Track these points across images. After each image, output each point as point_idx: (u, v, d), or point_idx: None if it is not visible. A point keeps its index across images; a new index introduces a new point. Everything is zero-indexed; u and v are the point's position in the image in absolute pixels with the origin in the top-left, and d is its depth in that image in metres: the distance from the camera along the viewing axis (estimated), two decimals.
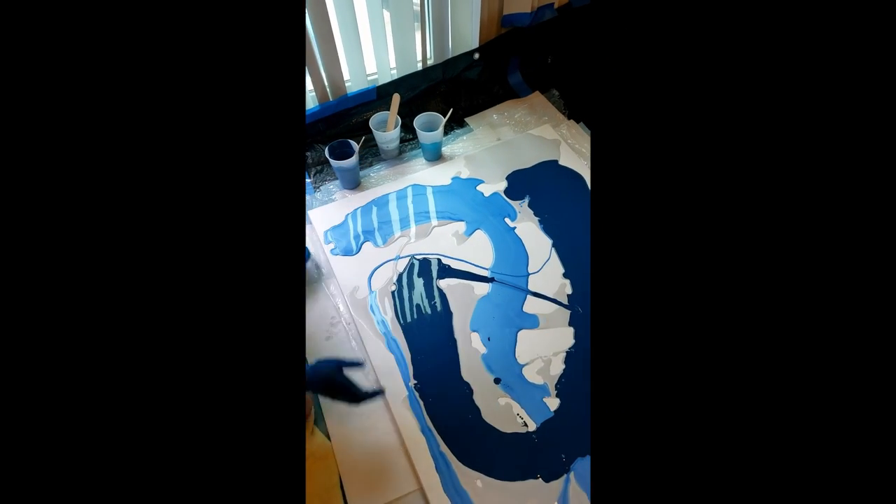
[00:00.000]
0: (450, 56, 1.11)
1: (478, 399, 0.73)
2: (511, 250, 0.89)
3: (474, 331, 0.80)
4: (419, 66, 1.12)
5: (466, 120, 1.12)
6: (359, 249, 0.91)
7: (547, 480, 0.66)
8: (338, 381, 0.65)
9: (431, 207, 0.96)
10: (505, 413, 0.72)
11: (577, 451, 0.68)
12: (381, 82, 1.08)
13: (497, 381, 0.75)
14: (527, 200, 0.95)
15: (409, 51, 1.09)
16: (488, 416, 0.72)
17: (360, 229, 0.94)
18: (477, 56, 1.09)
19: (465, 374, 0.76)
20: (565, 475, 0.67)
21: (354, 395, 0.66)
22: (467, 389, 0.74)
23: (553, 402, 0.73)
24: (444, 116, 1.01)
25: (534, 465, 0.68)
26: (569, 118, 1.08)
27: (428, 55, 1.14)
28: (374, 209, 0.96)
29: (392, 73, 1.11)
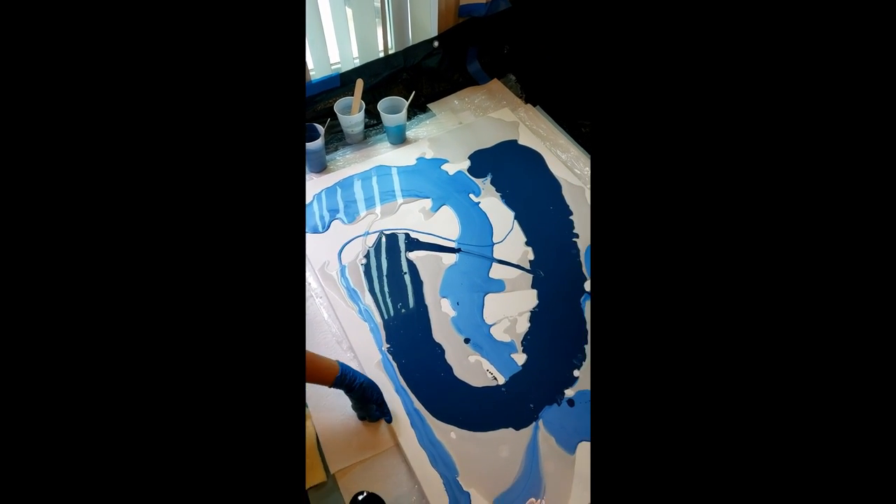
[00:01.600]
0: (410, 44, 1.15)
1: (449, 358, 0.76)
2: (476, 223, 0.93)
3: (444, 297, 0.83)
4: (381, 55, 1.16)
5: (429, 105, 1.16)
6: (326, 227, 0.93)
7: (517, 429, 0.70)
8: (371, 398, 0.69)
9: (397, 186, 0.99)
10: (475, 369, 0.75)
11: (544, 401, 0.72)
12: (344, 70, 1.11)
13: (467, 340, 0.78)
14: (489, 178, 0.99)
15: (371, 40, 1.13)
16: (460, 372, 0.75)
17: (325, 210, 0.96)
18: (436, 44, 1.13)
19: (437, 335, 0.79)
20: (534, 423, 0.70)
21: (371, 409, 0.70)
22: (439, 350, 0.77)
23: (520, 358, 0.77)
24: (407, 99, 1.05)
25: (504, 416, 0.71)
26: (526, 102, 1.14)
27: (389, 45, 1.18)
28: (339, 190, 0.99)
29: (355, 62, 1.14)
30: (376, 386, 0.69)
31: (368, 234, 0.92)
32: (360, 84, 1.03)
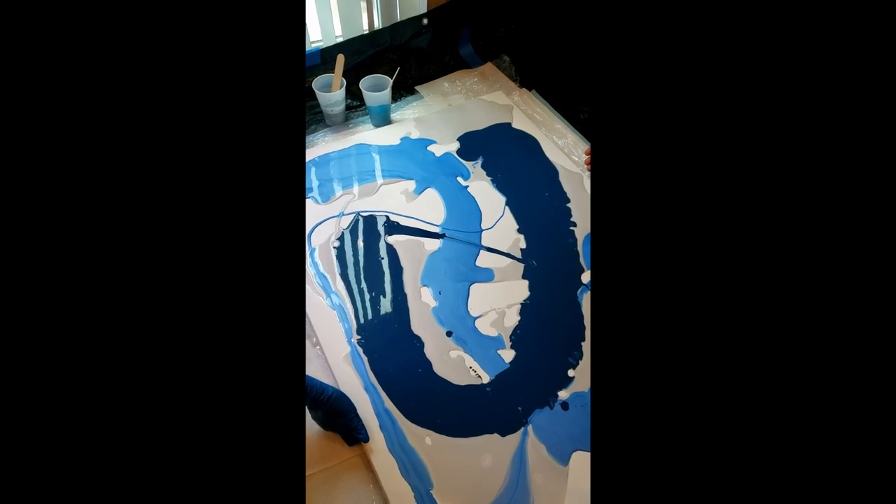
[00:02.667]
0: (398, 20, 1.07)
1: (429, 352, 0.67)
2: (464, 207, 0.84)
3: (425, 285, 0.74)
4: (366, 32, 1.08)
5: (416, 88, 1.08)
6: None
7: (503, 434, 0.60)
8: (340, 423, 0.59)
9: (377, 166, 0.90)
10: (457, 366, 0.66)
11: (534, 403, 0.63)
12: (325, 47, 1.02)
13: (449, 334, 0.69)
14: (480, 161, 0.91)
15: (355, 15, 1.05)
16: (440, 369, 0.66)
17: None
18: (426, 21, 1.06)
19: (416, 327, 0.70)
20: (522, 428, 0.61)
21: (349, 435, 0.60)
22: (417, 343, 0.68)
23: (508, 354, 0.67)
24: (392, 77, 0.97)
25: (488, 420, 0.62)
26: (521, 86, 1.06)
27: (376, 21, 1.10)
28: (313, 168, 0.90)
29: (337, 39, 1.06)
30: (347, 397, 0.60)
31: (343, 214, 0.83)
32: (340, 59, 0.95)
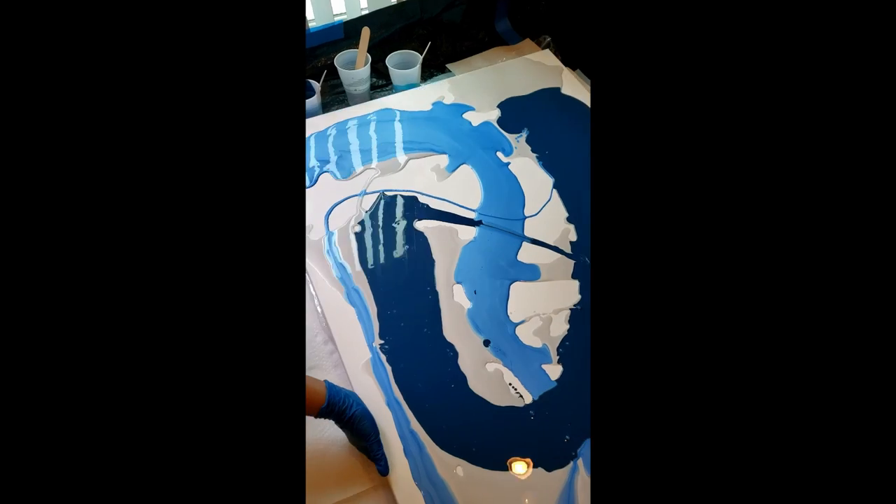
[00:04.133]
0: None
1: (463, 364, 0.58)
2: (504, 189, 0.73)
3: (458, 282, 0.64)
4: (393, 3, 0.94)
5: (448, 66, 0.94)
6: (314, 181, 0.73)
7: (548, 469, 0.52)
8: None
9: (401, 137, 0.78)
10: (495, 382, 0.57)
11: (585, 432, 0.54)
12: (349, 19, 0.89)
13: (486, 343, 0.59)
14: (524, 134, 0.79)
15: None
16: (476, 385, 0.57)
17: (314, 158, 0.76)
18: None
19: (449, 333, 0.60)
20: (571, 462, 0.52)
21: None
22: (451, 352, 0.58)
23: (554, 370, 0.58)
24: (422, 54, 0.83)
25: (530, 449, 0.53)
26: (564, 65, 0.92)
27: None
28: (331, 138, 0.78)
29: (363, 11, 0.93)
30: (370, 418, 0.51)
31: (366, 193, 0.72)
32: (366, 32, 0.82)
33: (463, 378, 0.57)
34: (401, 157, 0.76)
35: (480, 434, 0.53)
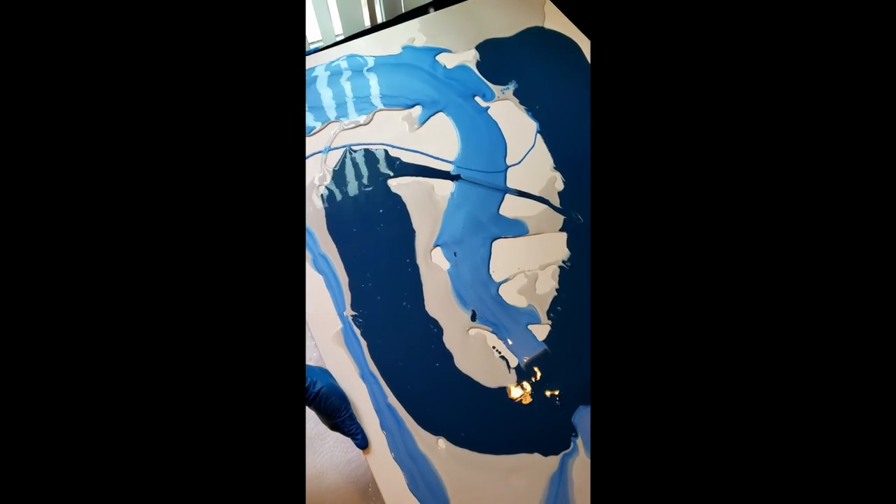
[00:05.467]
0: (402, 12, 0.89)
1: (449, 342, 0.53)
2: (483, 137, 0.66)
3: (437, 245, 0.58)
4: (368, 27, 0.89)
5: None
6: None
7: (545, 454, 0.47)
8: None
9: (375, 91, 0.70)
10: (484, 358, 0.52)
11: (578, 397, 0.49)
12: (325, 44, 0.83)
13: (473, 316, 0.54)
14: (512, 87, 0.70)
15: (356, 11, 0.86)
16: (464, 363, 0.52)
17: None
18: (432, 10, 0.84)
19: (432, 307, 0.55)
20: (572, 442, 0.48)
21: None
22: (435, 328, 0.53)
23: (542, 330, 0.53)
24: None
25: (524, 433, 0.48)
26: None
27: (378, 15, 0.89)
28: None
29: (338, 37, 0.88)
30: (340, 392, 0.47)
31: (330, 149, 0.65)
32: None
33: (449, 356, 0.52)
34: (372, 113, 0.69)
35: (468, 416, 0.49)
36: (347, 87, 0.71)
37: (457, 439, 0.48)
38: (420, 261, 0.57)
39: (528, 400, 0.49)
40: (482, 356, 0.52)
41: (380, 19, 0.92)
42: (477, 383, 0.51)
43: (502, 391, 0.50)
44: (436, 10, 0.86)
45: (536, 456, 0.47)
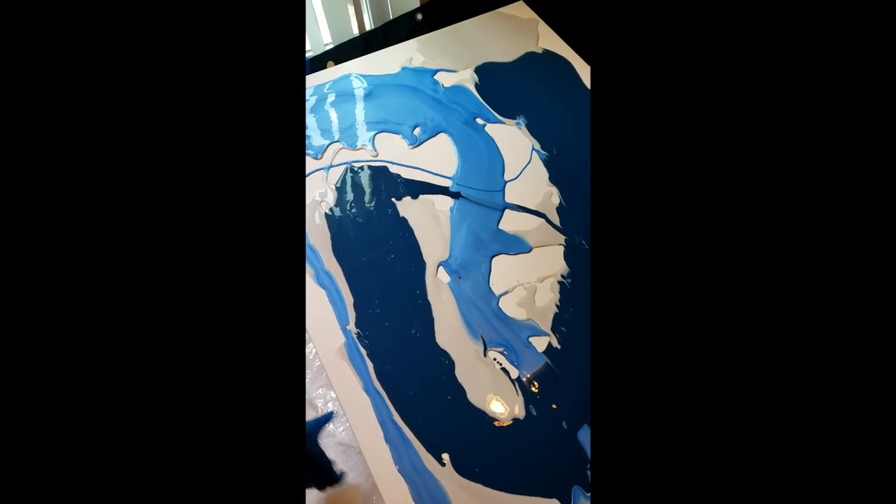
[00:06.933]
0: (390, 18, 0.90)
1: (461, 374, 0.53)
2: (483, 154, 0.68)
3: (440, 265, 0.59)
4: (356, 34, 0.91)
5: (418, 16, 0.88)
6: None
7: (547, 495, 0.47)
8: (312, 457, 0.44)
9: (361, 117, 0.70)
10: (487, 374, 0.53)
11: (581, 415, 0.50)
12: (314, 55, 0.85)
13: (485, 350, 0.54)
14: (522, 122, 0.70)
15: (344, 19, 0.88)
16: (476, 397, 0.52)
17: None
18: (420, 17, 0.86)
19: (441, 338, 0.54)
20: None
21: (327, 476, 0.45)
22: (446, 360, 0.54)
23: (542, 342, 0.54)
24: None
25: (539, 464, 0.49)
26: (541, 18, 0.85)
27: (366, 23, 0.92)
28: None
29: (327, 46, 0.90)
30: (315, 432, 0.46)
31: (332, 167, 0.67)
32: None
33: (461, 390, 0.52)
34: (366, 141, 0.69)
35: (482, 451, 0.48)
36: (335, 113, 0.72)
37: (470, 474, 0.48)
38: (429, 289, 0.57)
39: (508, 422, 0.49)
40: (496, 388, 0.52)
41: (368, 27, 0.94)
42: (491, 418, 0.51)
43: (517, 424, 0.50)
44: (423, 17, 0.89)
45: (554, 502, 0.46)
